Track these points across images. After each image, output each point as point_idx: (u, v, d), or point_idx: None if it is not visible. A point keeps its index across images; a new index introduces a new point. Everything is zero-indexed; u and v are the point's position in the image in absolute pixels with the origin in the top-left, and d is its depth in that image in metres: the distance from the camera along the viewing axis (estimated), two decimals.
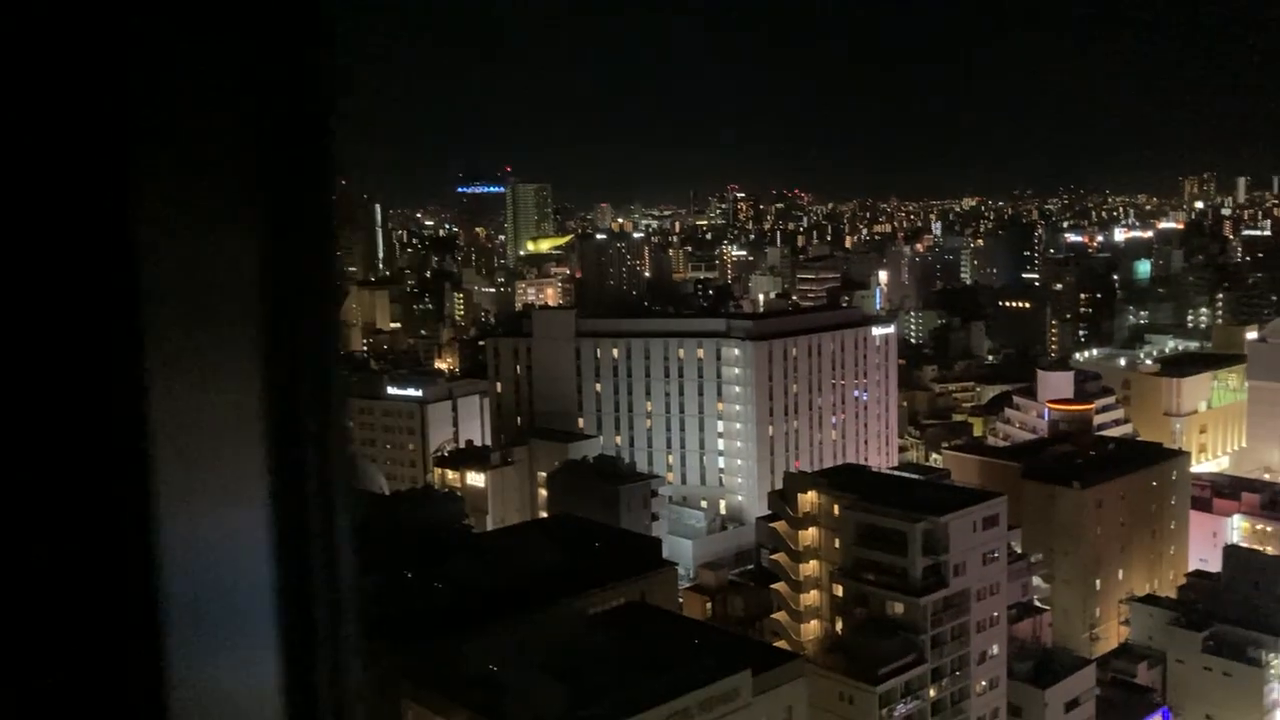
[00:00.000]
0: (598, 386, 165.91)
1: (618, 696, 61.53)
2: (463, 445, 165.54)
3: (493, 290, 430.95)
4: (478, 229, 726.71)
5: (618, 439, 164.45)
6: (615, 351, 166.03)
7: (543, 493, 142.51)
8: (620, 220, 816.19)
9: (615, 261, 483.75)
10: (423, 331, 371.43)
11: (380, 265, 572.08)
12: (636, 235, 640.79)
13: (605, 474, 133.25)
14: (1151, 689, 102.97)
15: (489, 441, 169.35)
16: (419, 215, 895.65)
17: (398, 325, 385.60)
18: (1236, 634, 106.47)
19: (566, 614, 76.77)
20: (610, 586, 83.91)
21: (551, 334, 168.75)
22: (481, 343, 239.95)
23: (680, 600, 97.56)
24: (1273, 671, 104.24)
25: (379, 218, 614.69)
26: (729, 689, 64.83)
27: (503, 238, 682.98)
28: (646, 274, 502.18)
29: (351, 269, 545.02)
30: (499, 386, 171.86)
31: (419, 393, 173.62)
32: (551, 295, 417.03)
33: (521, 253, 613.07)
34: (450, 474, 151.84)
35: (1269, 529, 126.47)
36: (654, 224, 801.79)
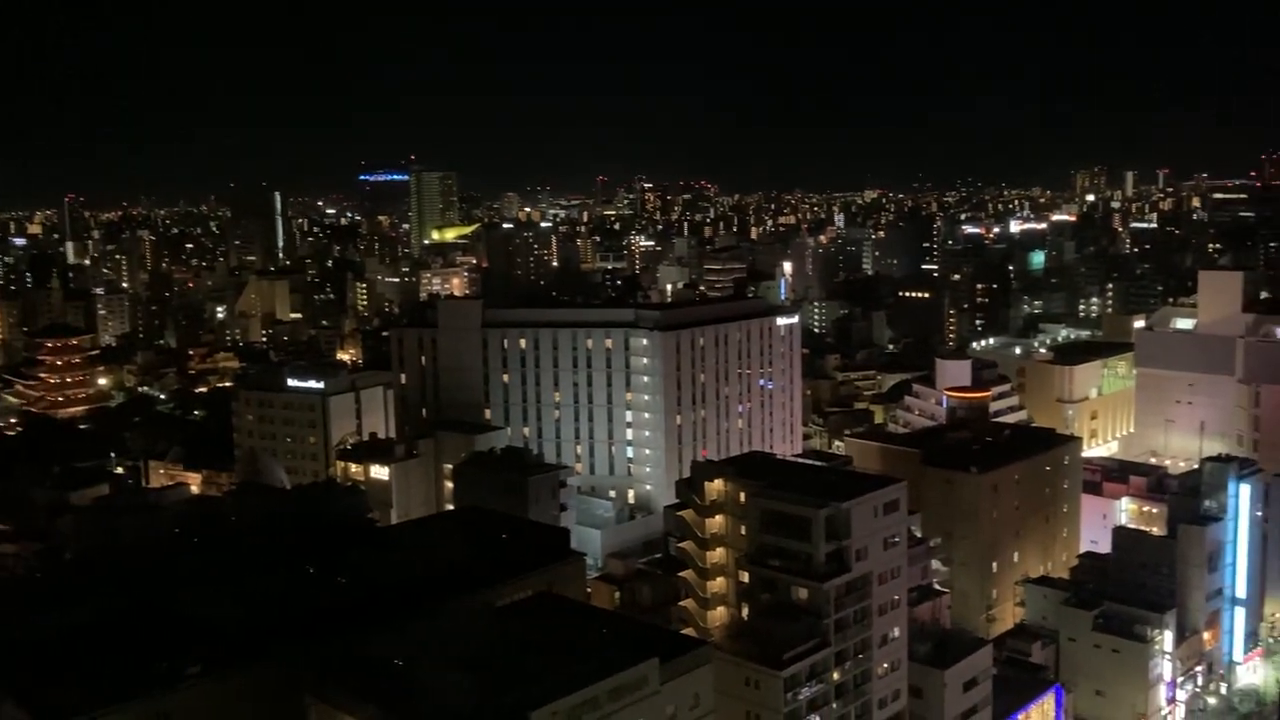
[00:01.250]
0: (505, 377, 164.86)
1: (526, 688, 61.29)
2: (366, 438, 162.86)
3: (397, 280, 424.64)
4: (381, 217, 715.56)
5: (525, 430, 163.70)
6: (523, 342, 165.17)
7: (449, 485, 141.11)
8: (527, 210, 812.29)
9: (522, 251, 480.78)
10: (324, 322, 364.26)
11: (280, 254, 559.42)
12: (544, 225, 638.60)
13: (513, 465, 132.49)
14: (1045, 667, 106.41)
15: (393, 434, 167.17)
16: (320, 203, 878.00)
17: (298, 316, 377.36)
18: (1125, 612, 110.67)
19: (474, 607, 76.13)
20: (518, 578, 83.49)
21: (457, 324, 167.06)
22: (385, 333, 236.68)
23: (589, 590, 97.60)
24: (1157, 647, 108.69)
25: (279, 206, 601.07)
26: (637, 677, 65.04)
27: (407, 226, 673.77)
28: (554, 264, 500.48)
29: (250, 258, 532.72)
30: (404, 378, 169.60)
31: (320, 385, 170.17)
32: (457, 285, 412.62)
33: (426, 242, 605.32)
34: (353, 467, 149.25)
35: (1155, 510, 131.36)
36: (562, 214, 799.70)
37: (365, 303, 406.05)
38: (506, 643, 69.11)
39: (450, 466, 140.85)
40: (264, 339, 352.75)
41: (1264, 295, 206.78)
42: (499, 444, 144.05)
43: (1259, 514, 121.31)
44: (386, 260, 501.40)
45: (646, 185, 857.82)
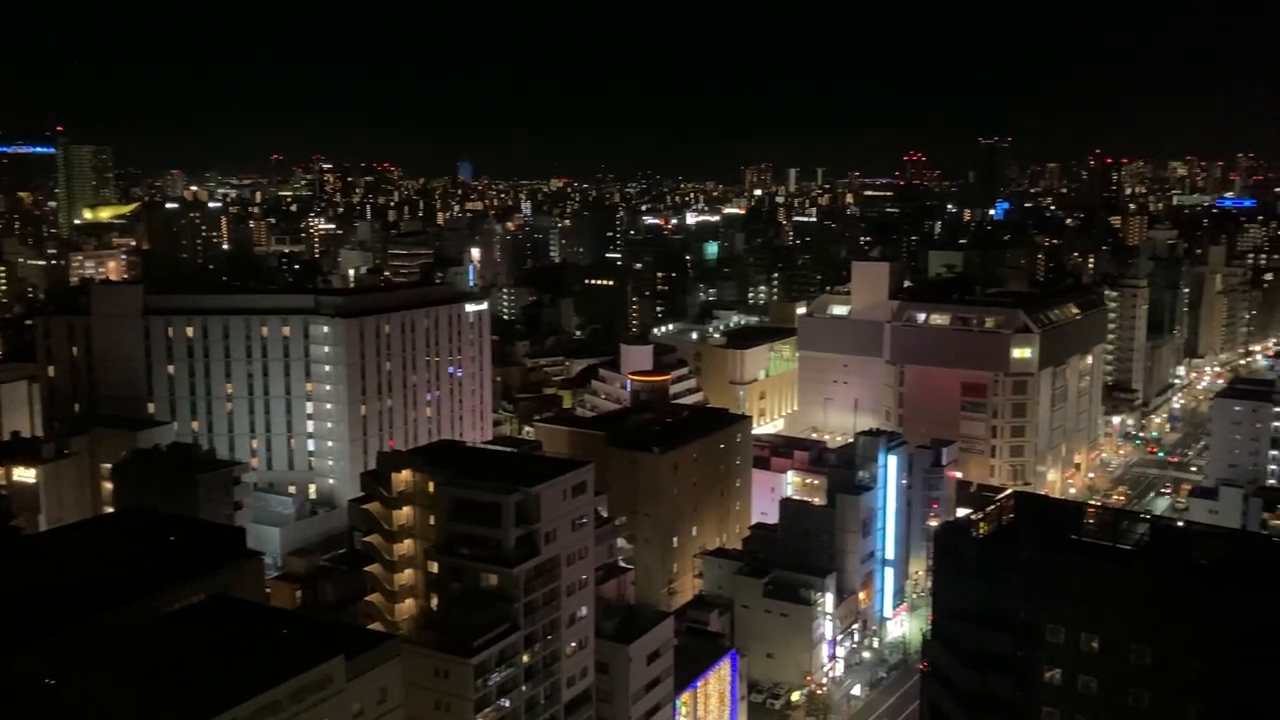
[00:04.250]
0: (170, 368, 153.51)
1: (200, 697, 57.47)
2: (7, 437, 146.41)
3: (43, 263, 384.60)
4: (21, 194, 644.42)
5: (195, 424, 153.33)
6: (190, 330, 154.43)
7: (109, 486, 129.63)
8: (194, 188, 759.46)
9: (189, 233, 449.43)
10: None
11: None
12: (213, 205, 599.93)
13: (181, 462, 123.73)
14: (721, 635, 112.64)
15: (40, 432, 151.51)
16: None
17: None
18: (791, 578, 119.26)
19: (138, 615, 70.45)
20: (188, 582, 78.04)
21: (115, 311, 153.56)
22: (29, 322, 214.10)
23: (268, 590, 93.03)
24: (819, 609, 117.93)
25: None
26: (320, 677, 62.73)
27: (54, 204, 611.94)
28: (225, 247, 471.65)
29: None
30: (51, 370, 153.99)
31: None
32: (114, 269, 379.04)
33: (77, 221, 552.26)
34: None
35: (815, 482, 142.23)
36: (232, 193, 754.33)
37: (4, 288, 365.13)
38: (176, 651, 64.50)
39: (109, 466, 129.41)
40: None
41: (907, 284, 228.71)
42: (165, 440, 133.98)
43: (904, 482, 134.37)
44: (29, 241, 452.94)
45: (326, 166, 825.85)
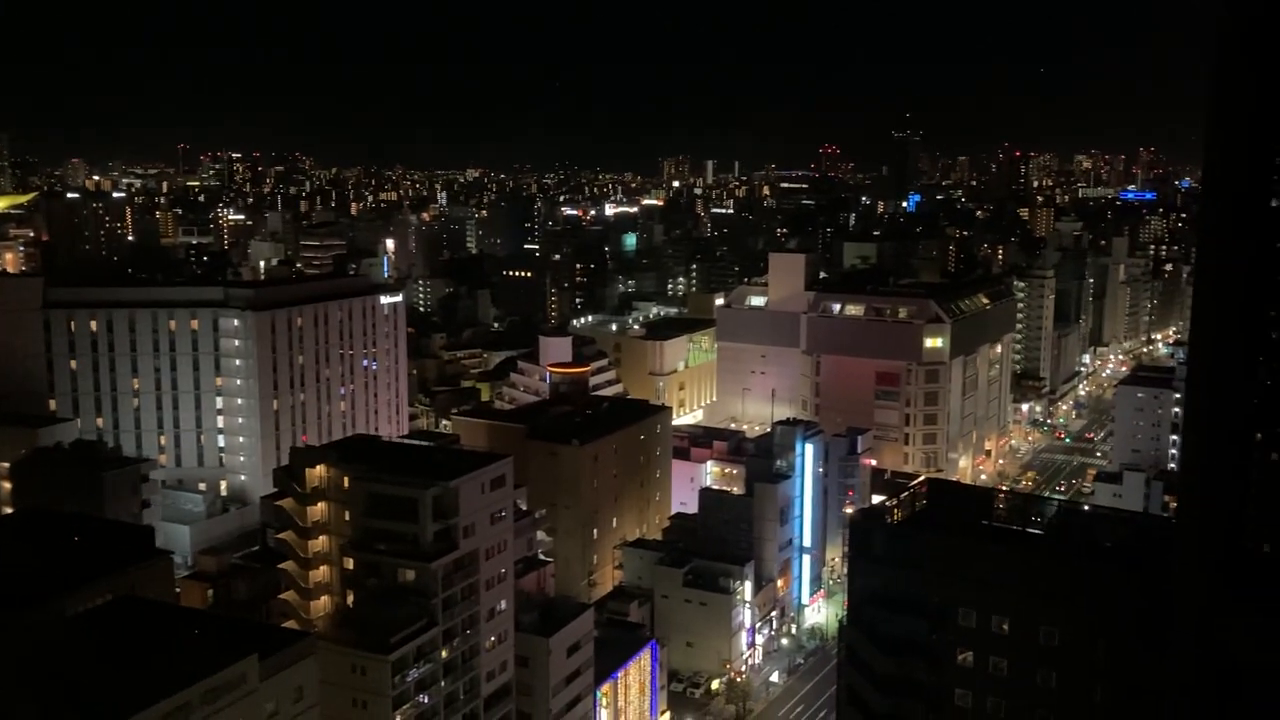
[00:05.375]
0: (73, 363, 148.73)
1: (108, 700, 55.85)
2: None
3: None
4: None
5: (99, 421, 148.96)
6: (94, 324, 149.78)
7: (6, 486, 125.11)
8: (97, 178, 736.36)
9: (91, 223, 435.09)
10: None
11: None
12: (117, 195, 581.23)
13: (84, 461, 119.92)
14: (641, 625, 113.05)
15: None
16: None
17: None
18: (710, 567, 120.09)
19: (41, 618, 68.21)
20: (92, 584, 75.75)
21: (12, 305, 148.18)
22: None
23: (178, 590, 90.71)
24: (738, 597, 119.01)
25: None
26: (233, 677, 61.48)
27: None
28: (130, 238, 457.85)
29: None
30: None
31: None
32: (11, 260, 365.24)
33: None
34: None
35: (734, 472, 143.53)
36: (137, 183, 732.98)
37: None
38: (82, 654, 62.70)
39: (7, 465, 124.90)
40: None
41: (823, 275, 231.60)
42: (67, 437, 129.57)
43: (820, 470, 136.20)
44: None
45: (235, 155, 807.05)
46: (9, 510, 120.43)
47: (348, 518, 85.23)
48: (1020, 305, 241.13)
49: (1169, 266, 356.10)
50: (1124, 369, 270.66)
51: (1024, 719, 64.93)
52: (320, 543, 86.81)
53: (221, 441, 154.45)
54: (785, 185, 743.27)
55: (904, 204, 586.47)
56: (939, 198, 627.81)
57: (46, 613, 69.52)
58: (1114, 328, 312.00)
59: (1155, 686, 57.15)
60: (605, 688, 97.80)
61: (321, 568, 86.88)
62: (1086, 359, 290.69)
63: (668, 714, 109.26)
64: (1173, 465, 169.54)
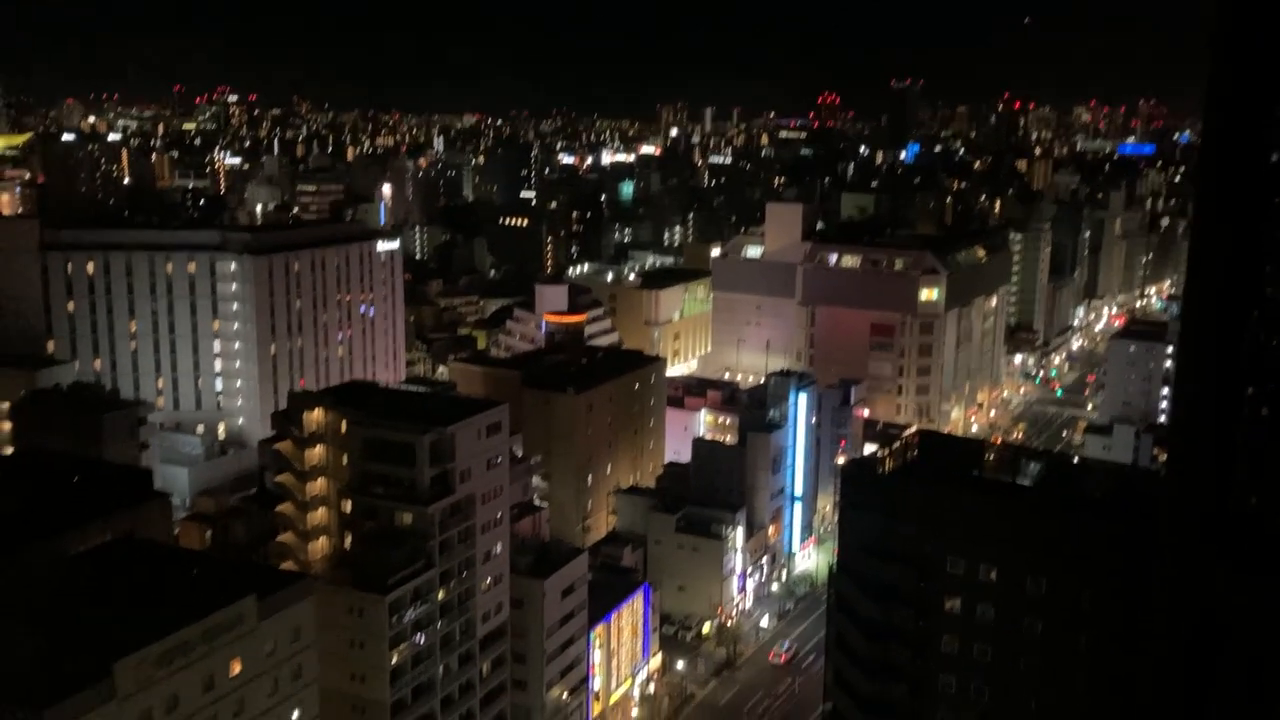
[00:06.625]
0: (70, 306, 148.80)
1: (105, 639, 56.85)
2: None
3: None
4: None
5: (97, 364, 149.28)
6: (91, 267, 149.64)
7: (6, 426, 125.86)
8: (92, 119, 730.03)
9: (87, 166, 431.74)
10: None
11: None
12: (113, 137, 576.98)
13: (83, 403, 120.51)
14: (634, 569, 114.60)
15: None
16: None
17: None
18: (702, 514, 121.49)
19: (42, 557, 69.11)
20: (92, 524, 76.65)
21: (10, 247, 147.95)
22: None
23: (176, 531, 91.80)
24: (730, 544, 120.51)
25: None
26: (231, 616, 62.45)
27: None
28: (126, 181, 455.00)
29: None
30: None
31: None
32: (7, 202, 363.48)
33: None
34: None
35: (728, 421, 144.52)
36: (133, 125, 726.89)
37: None
38: (82, 593, 63.66)
39: (6, 406, 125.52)
40: None
41: (820, 226, 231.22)
42: (65, 380, 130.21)
43: (813, 421, 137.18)
44: None
45: (232, 98, 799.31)
46: (9, 451, 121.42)
47: (345, 461, 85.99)
48: (1016, 258, 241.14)
49: (1165, 221, 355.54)
50: (1117, 323, 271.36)
51: (1010, 666, 66.32)
52: (318, 486, 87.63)
53: (219, 385, 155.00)
54: (784, 134, 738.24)
55: (902, 154, 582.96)
56: (937, 149, 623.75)
57: (46, 552, 70.41)
58: (1109, 281, 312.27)
59: (1139, 637, 58.33)
60: (598, 630, 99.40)
61: (319, 510, 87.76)
62: (1080, 312, 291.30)
63: (659, 655, 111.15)
64: (1163, 419, 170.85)
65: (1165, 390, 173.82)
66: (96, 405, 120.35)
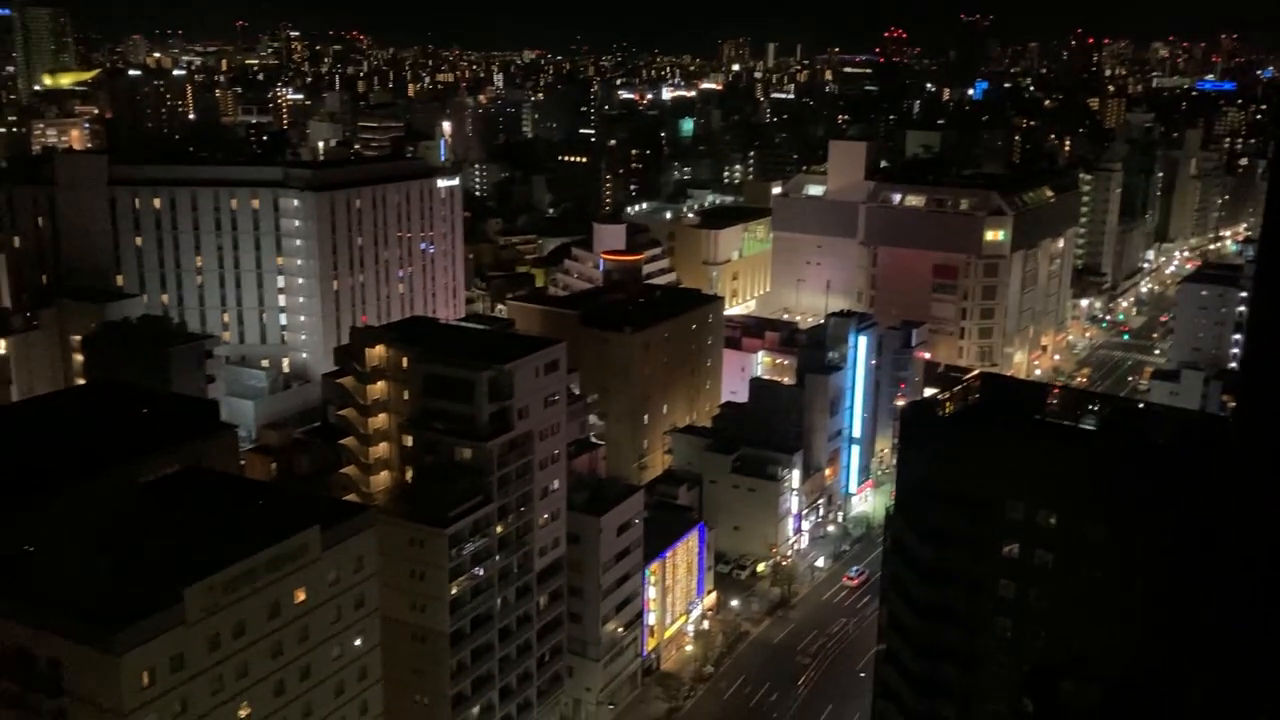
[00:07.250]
0: (138, 240, 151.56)
1: (175, 565, 58.61)
2: None
3: (3, 130, 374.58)
4: None
5: (165, 297, 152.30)
6: (157, 202, 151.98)
7: (79, 358, 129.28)
8: (158, 55, 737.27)
9: (153, 101, 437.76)
10: None
11: None
12: (177, 73, 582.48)
13: (151, 335, 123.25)
14: (690, 508, 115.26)
15: (8, 304, 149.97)
16: None
17: None
18: (759, 455, 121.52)
19: (112, 486, 71.19)
20: (161, 454, 78.63)
21: (80, 182, 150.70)
22: None
23: (242, 462, 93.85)
24: (786, 485, 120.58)
25: None
26: (296, 546, 63.94)
27: (12, 69, 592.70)
28: (190, 116, 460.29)
29: None
30: (16, 241, 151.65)
31: None
32: (77, 137, 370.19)
33: (37, 88, 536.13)
34: None
35: (785, 362, 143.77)
36: (197, 61, 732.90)
37: None
38: (152, 521, 65.52)
39: (79, 338, 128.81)
40: None
41: (883, 164, 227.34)
42: (134, 313, 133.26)
43: (873, 363, 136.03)
44: None
45: (293, 33, 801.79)
46: (80, 382, 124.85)
47: (406, 397, 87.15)
48: (1085, 199, 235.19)
49: (1244, 161, 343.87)
50: (1189, 266, 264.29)
51: (1066, 613, 65.75)
52: (380, 420, 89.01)
53: (283, 320, 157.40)
54: (848, 70, 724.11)
55: (970, 91, 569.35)
56: (1006, 85, 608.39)
57: (118, 481, 72.46)
58: (1181, 224, 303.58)
59: (1202, 588, 57.46)
60: (654, 566, 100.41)
61: (381, 444, 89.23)
62: (1150, 255, 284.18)
63: (714, 593, 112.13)
64: (1233, 365, 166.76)
65: (1236, 336, 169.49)
66: (165, 338, 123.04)
